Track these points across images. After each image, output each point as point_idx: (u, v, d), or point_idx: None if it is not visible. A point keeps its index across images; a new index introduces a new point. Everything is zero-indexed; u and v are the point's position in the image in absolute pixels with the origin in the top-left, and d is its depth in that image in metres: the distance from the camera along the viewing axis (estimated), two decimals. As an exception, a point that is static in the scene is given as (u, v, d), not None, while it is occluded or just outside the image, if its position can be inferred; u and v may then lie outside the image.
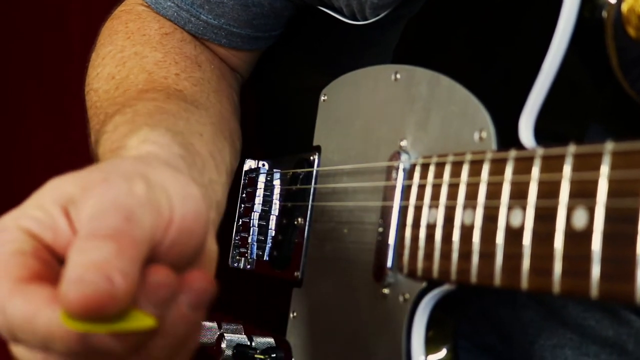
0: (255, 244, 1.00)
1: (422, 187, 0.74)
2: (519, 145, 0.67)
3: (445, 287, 0.73)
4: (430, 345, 0.76)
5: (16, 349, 0.59)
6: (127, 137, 0.73)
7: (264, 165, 1.03)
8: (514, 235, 0.64)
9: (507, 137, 0.69)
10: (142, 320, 0.56)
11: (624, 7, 0.64)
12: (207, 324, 1.01)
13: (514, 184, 0.64)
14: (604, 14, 0.66)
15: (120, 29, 0.99)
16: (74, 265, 0.55)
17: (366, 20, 0.90)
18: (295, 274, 0.92)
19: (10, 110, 1.82)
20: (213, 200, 0.76)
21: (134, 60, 0.93)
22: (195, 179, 0.71)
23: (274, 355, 0.95)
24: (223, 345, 0.97)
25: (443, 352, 0.77)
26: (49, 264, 0.59)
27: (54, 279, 0.57)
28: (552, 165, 0.61)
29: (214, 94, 0.93)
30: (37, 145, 1.81)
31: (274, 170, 1.00)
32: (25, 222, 0.60)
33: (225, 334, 0.98)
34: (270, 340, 0.96)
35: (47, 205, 0.60)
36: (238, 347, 0.97)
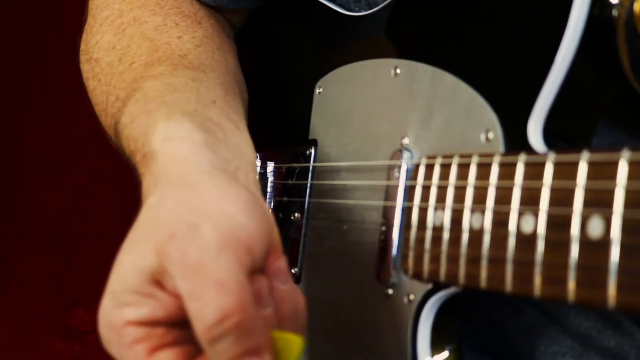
0: (249, 237, 0.99)
1: (426, 188, 0.73)
2: (528, 148, 0.66)
3: (452, 290, 0.72)
4: (436, 346, 0.76)
5: None
6: (147, 134, 0.73)
7: (256, 157, 1.01)
8: (525, 241, 0.63)
9: (515, 138, 0.68)
10: (294, 347, 0.62)
11: (637, 7, 0.62)
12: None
13: (524, 190, 0.63)
14: (615, 12, 0.64)
15: None
16: None
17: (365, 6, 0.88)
18: (293, 270, 0.91)
19: (10, 110, 1.79)
20: (250, 165, 0.75)
21: (134, 27, 0.89)
22: (225, 158, 0.71)
23: (272, 350, 0.94)
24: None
25: (448, 352, 0.76)
26: (179, 338, 0.63)
27: (189, 344, 0.63)
28: (565, 172, 0.60)
29: (218, 51, 0.91)
30: (37, 144, 1.78)
31: (267, 162, 0.98)
32: (130, 314, 0.62)
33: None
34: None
35: (139, 287, 0.62)
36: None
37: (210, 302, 0.60)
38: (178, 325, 0.64)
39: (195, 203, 0.64)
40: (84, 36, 0.95)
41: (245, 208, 0.65)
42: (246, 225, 0.63)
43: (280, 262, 0.66)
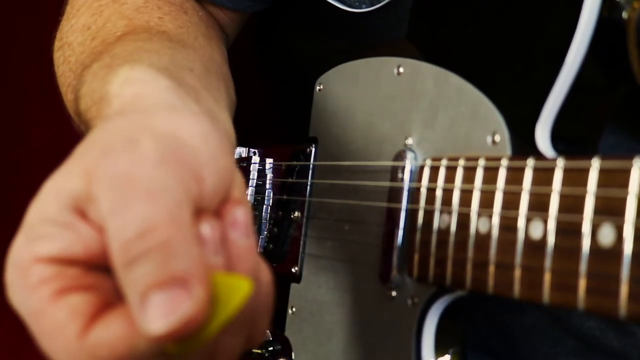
0: (248, 235, 0.98)
1: (431, 191, 0.72)
2: (535, 151, 0.65)
3: (457, 293, 0.71)
4: (439, 349, 0.75)
5: None
6: (106, 81, 0.62)
7: (255, 153, 0.99)
8: (534, 247, 0.62)
9: (522, 141, 0.67)
10: (238, 291, 0.49)
11: (647, 10, 0.61)
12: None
13: (533, 195, 0.62)
14: (625, 15, 0.63)
15: None
16: (135, 295, 0.46)
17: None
18: (294, 269, 0.90)
19: (10, 110, 1.77)
20: (224, 131, 0.64)
21: (112, 7, 0.83)
22: (194, 110, 0.59)
23: (271, 348, 0.93)
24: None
25: (452, 354, 0.76)
26: (97, 284, 0.50)
27: (111, 294, 0.50)
28: (576, 178, 0.59)
29: (203, 37, 0.84)
30: (37, 144, 1.76)
31: (266, 159, 0.97)
32: (41, 248, 0.49)
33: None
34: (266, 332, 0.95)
35: (56, 215, 0.49)
36: (234, 342, 0.95)
37: (131, 212, 0.47)
38: (101, 271, 0.50)
39: (141, 121, 0.52)
40: (59, 25, 0.89)
41: (202, 134, 0.52)
42: (198, 149, 0.51)
43: (241, 212, 0.52)
